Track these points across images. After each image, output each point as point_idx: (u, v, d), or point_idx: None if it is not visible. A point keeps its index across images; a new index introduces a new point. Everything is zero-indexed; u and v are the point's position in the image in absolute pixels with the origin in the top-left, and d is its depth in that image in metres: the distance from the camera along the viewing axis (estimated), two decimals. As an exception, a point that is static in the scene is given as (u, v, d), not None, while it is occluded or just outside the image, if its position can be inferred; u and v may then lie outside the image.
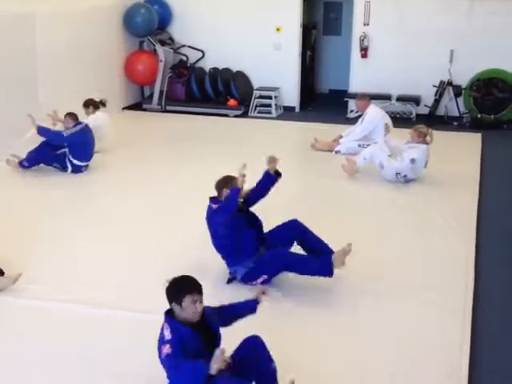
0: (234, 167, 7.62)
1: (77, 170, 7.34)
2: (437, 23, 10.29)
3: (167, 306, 3.23)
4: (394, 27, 10.55)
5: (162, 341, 3.19)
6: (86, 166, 7.44)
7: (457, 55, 10.22)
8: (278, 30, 11.01)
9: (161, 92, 11.06)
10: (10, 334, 4.08)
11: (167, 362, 3.13)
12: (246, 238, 4.56)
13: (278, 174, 4.87)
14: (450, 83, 10.25)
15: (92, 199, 6.68)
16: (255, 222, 4.73)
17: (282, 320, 4.23)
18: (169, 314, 3.24)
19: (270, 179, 4.85)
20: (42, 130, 7.21)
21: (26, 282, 4.62)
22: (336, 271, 4.52)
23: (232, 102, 10.86)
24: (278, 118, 10.80)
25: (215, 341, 3.28)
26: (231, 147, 8.65)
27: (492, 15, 10.04)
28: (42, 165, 7.38)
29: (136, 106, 11.29)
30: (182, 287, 3.19)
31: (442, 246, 5.47)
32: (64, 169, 7.32)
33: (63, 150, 7.28)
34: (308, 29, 11.61)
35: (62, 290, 4.58)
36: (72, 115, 7.37)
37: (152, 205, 6.38)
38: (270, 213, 5.00)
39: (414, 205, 6.54)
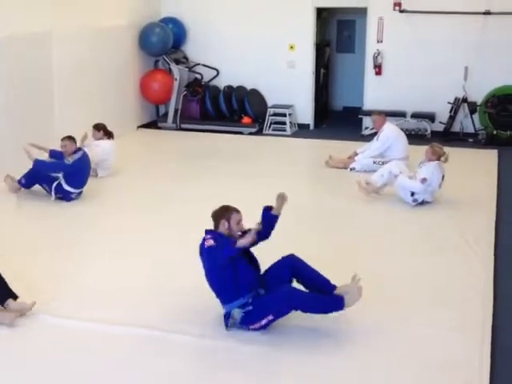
0: (248, 185, 7.66)
1: (67, 197, 6.95)
2: (451, 39, 10.28)
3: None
4: (407, 44, 10.55)
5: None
6: (79, 193, 7.09)
7: (471, 72, 10.19)
8: (291, 48, 11.06)
9: (175, 110, 11.12)
10: (32, 350, 4.08)
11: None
12: (244, 277, 4.18)
13: (276, 214, 4.50)
14: (464, 100, 10.21)
15: (104, 219, 6.64)
16: (254, 262, 4.38)
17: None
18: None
19: (273, 219, 4.49)
20: (38, 165, 6.92)
21: (46, 300, 4.64)
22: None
23: (246, 119, 10.90)
24: (293, 135, 10.81)
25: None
26: (245, 165, 8.66)
27: (506, 31, 10.02)
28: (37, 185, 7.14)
29: (151, 125, 11.36)
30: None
31: (460, 265, 5.41)
32: (49, 193, 6.97)
33: (58, 174, 6.92)
34: (321, 46, 11.65)
35: (81, 309, 4.58)
36: (72, 139, 7.09)
37: (165, 223, 6.38)
38: (280, 230, 4.95)
39: (430, 223, 6.47)
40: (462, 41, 10.24)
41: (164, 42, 10.76)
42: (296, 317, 4.24)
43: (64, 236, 6.16)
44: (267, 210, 4.48)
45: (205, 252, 4.14)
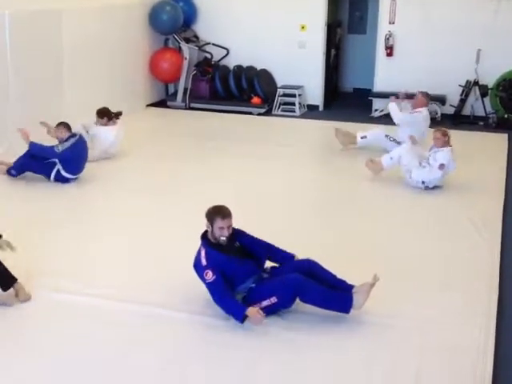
0: (256, 166, 7.65)
1: (64, 181, 6.87)
2: (463, 22, 10.18)
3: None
4: (419, 26, 10.46)
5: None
6: (76, 177, 6.99)
7: (483, 55, 10.09)
8: (302, 28, 10.99)
9: (185, 89, 11.10)
10: (41, 327, 4.13)
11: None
12: (241, 276, 4.15)
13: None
14: (476, 83, 10.13)
15: (110, 198, 6.59)
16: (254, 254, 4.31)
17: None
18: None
19: (287, 260, 4.39)
20: (34, 147, 6.75)
21: (51, 276, 4.70)
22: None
23: (256, 100, 10.86)
24: (302, 116, 10.77)
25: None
26: (254, 146, 8.64)
27: (520, 14, 9.92)
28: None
29: (160, 104, 11.35)
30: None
31: (467, 250, 5.40)
32: (48, 177, 6.87)
33: (53, 160, 6.81)
34: (333, 27, 11.55)
35: (87, 286, 4.62)
36: (66, 125, 6.90)
37: (172, 203, 6.39)
38: (288, 214, 4.94)
39: (438, 207, 6.45)
40: (474, 23, 10.12)
41: (174, 21, 10.71)
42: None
43: (68, 215, 6.15)
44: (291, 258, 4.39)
45: (200, 270, 4.12)
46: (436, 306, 4.43)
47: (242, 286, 4.15)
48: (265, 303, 4.04)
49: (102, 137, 7.64)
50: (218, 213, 4.11)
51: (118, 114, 7.85)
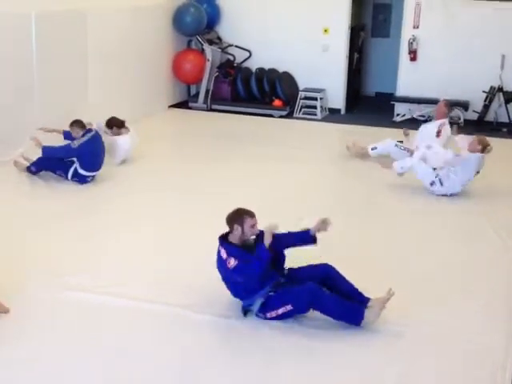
0: (276, 169, 7.66)
1: (82, 180, 6.87)
2: (488, 27, 10.09)
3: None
4: (444, 30, 10.38)
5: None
6: (93, 176, 6.97)
7: (508, 60, 9.99)
8: (325, 31, 10.96)
9: (207, 91, 11.13)
10: (54, 325, 4.17)
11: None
12: (264, 280, 4.12)
13: (314, 240, 4.34)
14: (500, 89, 10.03)
15: (129, 198, 6.61)
16: (277, 256, 4.25)
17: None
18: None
19: (306, 240, 4.33)
20: (47, 151, 6.77)
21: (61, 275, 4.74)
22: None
23: (277, 102, 10.86)
24: (323, 119, 10.75)
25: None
26: (275, 148, 8.64)
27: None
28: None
29: (182, 105, 11.40)
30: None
31: (489, 256, 5.36)
32: (66, 176, 6.88)
33: (71, 159, 6.85)
34: (356, 30, 11.52)
35: (101, 284, 4.66)
36: (79, 123, 6.90)
37: (192, 204, 6.41)
38: (306, 216, 4.92)
39: (458, 214, 6.38)
40: (499, 29, 10.04)
41: (198, 22, 10.75)
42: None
43: (84, 214, 6.19)
44: (308, 233, 4.29)
45: (229, 272, 4.07)
46: (456, 313, 4.39)
47: (261, 293, 4.12)
48: (281, 310, 4.09)
49: (120, 147, 7.55)
50: (245, 212, 4.12)
51: (123, 123, 7.66)
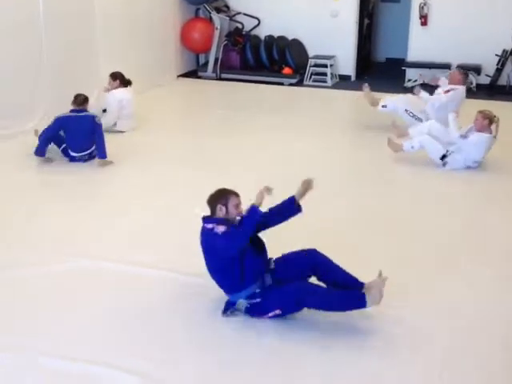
0: (286, 138, 7.59)
1: (72, 160, 6.64)
2: (501, -11, 9.93)
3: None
4: (455, -7, 10.23)
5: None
6: (83, 157, 6.62)
7: (521, 23, 9.84)
8: (335, -4, 10.82)
9: (216, 60, 11.05)
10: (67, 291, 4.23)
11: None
12: (251, 266, 3.78)
13: (299, 208, 4.00)
14: (513, 52, 9.90)
15: (138, 171, 6.53)
16: (262, 246, 3.93)
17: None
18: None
19: (292, 211, 3.99)
20: (38, 150, 6.53)
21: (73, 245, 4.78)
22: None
23: (287, 70, 10.77)
24: (333, 86, 10.66)
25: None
26: (285, 117, 8.59)
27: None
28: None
29: (191, 74, 11.33)
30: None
31: (503, 224, 5.32)
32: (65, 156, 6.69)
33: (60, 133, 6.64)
34: (366, -5, 11.36)
35: (115, 252, 4.69)
36: (75, 98, 6.60)
37: (199, 176, 6.29)
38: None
39: (472, 183, 6.26)
40: (512, -10, 9.87)
41: (205, -10, 10.64)
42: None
43: (93, 189, 6.15)
44: (292, 202, 3.97)
45: (215, 238, 3.71)
46: (467, 280, 4.38)
47: (246, 292, 3.81)
48: (270, 315, 3.79)
49: (111, 98, 7.47)
50: (229, 191, 3.84)
51: (129, 82, 7.66)
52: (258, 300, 3.79)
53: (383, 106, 7.78)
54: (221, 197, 3.80)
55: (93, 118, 6.59)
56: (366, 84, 8.03)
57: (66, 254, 4.67)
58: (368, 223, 5.25)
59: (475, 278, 4.39)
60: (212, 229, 3.72)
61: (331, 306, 3.74)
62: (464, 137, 6.46)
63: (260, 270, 3.85)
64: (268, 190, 3.77)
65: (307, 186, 3.96)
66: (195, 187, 5.86)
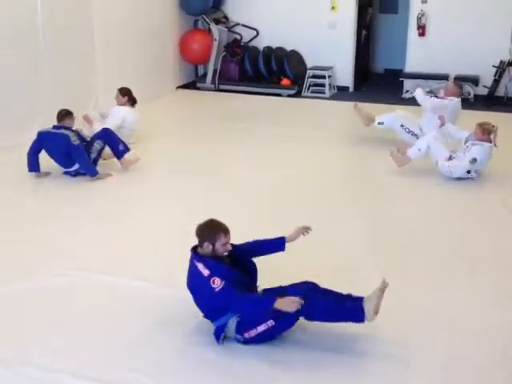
0: (284, 149, 7.60)
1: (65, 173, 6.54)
2: (497, 1, 9.96)
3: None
4: (452, 5, 10.27)
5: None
6: (70, 173, 6.50)
7: (518, 34, 9.89)
8: (333, 8, 10.86)
9: (214, 71, 11.08)
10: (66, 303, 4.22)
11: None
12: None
13: (283, 248, 3.92)
14: (510, 63, 9.92)
15: (141, 180, 6.57)
16: (253, 269, 3.85)
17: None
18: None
19: (279, 249, 3.90)
20: (29, 167, 6.41)
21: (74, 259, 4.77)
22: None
23: (285, 81, 10.80)
24: (332, 98, 10.69)
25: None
26: (283, 128, 8.60)
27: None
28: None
29: (190, 85, 11.36)
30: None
31: (500, 235, 5.32)
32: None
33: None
34: (364, 7, 11.39)
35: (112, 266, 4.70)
36: (59, 113, 6.47)
37: (200, 186, 6.36)
38: (314, 197, 4.82)
39: (471, 193, 6.25)
40: (509, 2, 9.89)
41: (204, 1, 10.68)
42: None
43: (91, 202, 6.11)
44: (283, 243, 3.89)
45: (212, 292, 3.51)
46: (467, 289, 4.38)
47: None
48: (261, 328, 3.55)
49: (116, 113, 7.35)
50: (220, 229, 3.65)
51: (135, 101, 7.60)
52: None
53: (380, 123, 7.77)
54: (209, 234, 3.64)
55: (67, 138, 6.29)
56: (356, 103, 8.01)
57: (65, 267, 4.66)
58: (367, 234, 5.26)
59: (475, 290, 4.39)
60: (208, 278, 3.53)
61: (326, 316, 3.61)
62: (466, 140, 6.51)
63: (248, 285, 3.72)
64: (306, 230, 3.87)
65: (301, 232, 3.92)
66: (195, 200, 5.92)
